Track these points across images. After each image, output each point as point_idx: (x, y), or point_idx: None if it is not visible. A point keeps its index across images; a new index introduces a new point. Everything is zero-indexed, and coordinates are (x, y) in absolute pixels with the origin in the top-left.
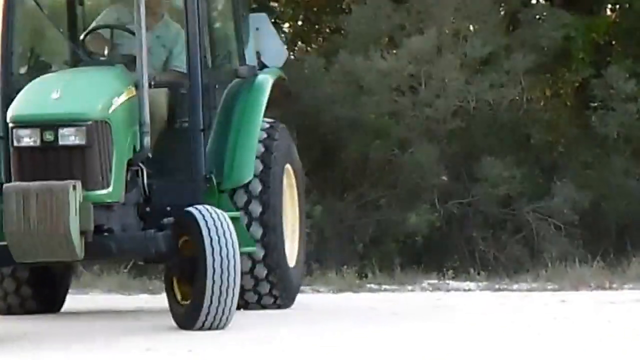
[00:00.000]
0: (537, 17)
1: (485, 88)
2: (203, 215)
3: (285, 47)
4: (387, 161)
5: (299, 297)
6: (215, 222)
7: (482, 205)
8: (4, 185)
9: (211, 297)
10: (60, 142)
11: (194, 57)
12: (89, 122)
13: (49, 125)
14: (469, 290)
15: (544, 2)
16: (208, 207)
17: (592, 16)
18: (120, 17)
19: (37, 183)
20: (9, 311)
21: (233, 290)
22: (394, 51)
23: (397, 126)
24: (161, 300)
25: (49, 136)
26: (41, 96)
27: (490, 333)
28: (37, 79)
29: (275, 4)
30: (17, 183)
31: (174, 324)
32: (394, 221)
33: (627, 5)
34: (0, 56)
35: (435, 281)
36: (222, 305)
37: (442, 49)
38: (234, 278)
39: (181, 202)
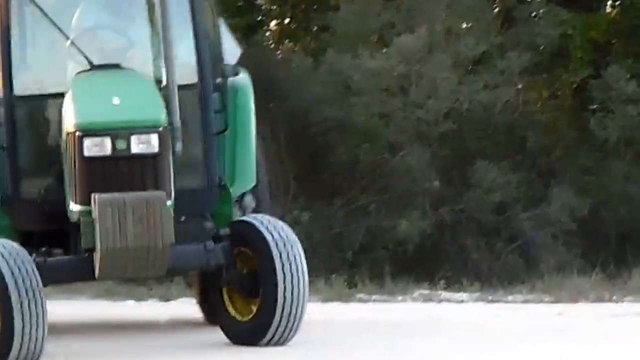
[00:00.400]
0: (533, 14)
1: (479, 89)
2: (267, 228)
3: (239, 46)
4: (376, 165)
5: None
6: (281, 234)
7: (475, 212)
8: (97, 198)
9: (281, 314)
10: (133, 151)
11: (204, 56)
12: (160, 129)
13: (121, 133)
14: (462, 301)
15: None
16: (267, 217)
17: (591, 13)
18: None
19: (131, 194)
20: None
21: (302, 306)
22: (384, 50)
23: (387, 128)
24: (149, 307)
25: (121, 145)
26: (101, 103)
27: (484, 347)
28: (76, 84)
29: (262, 2)
30: (110, 195)
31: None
32: (384, 228)
33: (629, 2)
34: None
35: (427, 291)
36: (291, 322)
37: (433, 47)
38: (303, 294)
39: (196, 210)
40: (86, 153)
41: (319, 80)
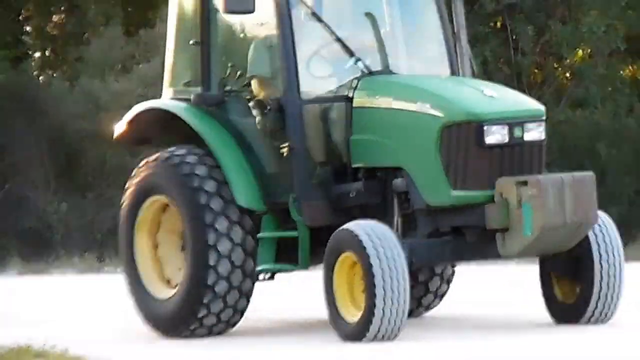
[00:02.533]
0: None
1: None
2: None
3: None
4: (120, 166)
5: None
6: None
7: None
8: (541, 178)
9: (599, 293)
10: (526, 138)
11: (293, 71)
12: (545, 119)
13: (517, 122)
14: None
15: None
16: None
17: None
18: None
19: (567, 175)
20: None
21: (619, 286)
22: (126, 75)
23: None
24: None
25: (518, 132)
26: (478, 96)
27: None
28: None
29: (27, 37)
30: (550, 175)
31: None
32: None
33: None
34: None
35: None
36: (609, 300)
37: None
38: (620, 274)
39: None
40: (488, 141)
41: (74, 99)
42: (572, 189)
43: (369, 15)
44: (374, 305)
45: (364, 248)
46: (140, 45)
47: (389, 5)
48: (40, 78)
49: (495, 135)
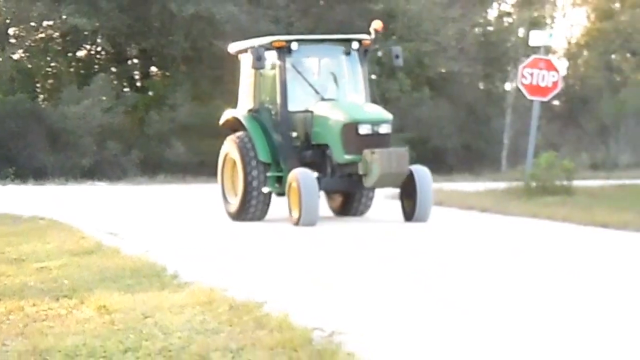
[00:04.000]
0: None
1: None
2: None
3: None
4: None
5: None
6: None
7: None
8: (382, 151)
9: (419, 205)
10: (380, 132)
11: (285, 98)
12: (390, 121)
13: (375, 123)
14: None
15: None
16: None
17: None
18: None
19: (393, 149)
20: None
21: None
22: None
23: None
24: None
25: (376, 128)
26: (363, 110)
27: None
28: (346, 105)
29: None
30: (385, 149)
31: None
32: None
33: None
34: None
35: None
36: None
37: None
38: None
39: None
40: (360, 132)
41: None
42: (395, 156)
43: (326, 71)
44: (302, 206)
45: (299, 180)
46: None
47: (335, 66)
48: None
49: (364, 129)
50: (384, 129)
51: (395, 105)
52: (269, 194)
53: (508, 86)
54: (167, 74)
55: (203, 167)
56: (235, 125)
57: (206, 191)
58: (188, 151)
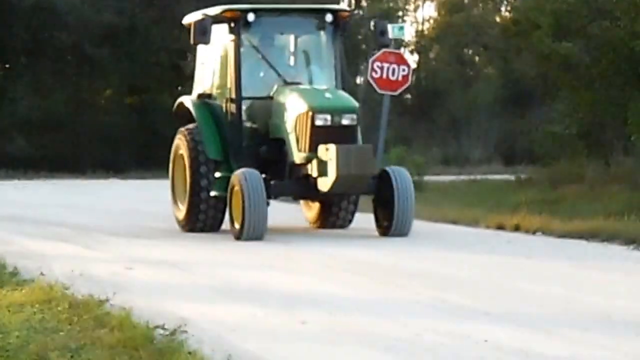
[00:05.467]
0: None
1: None
2: None
3: None
4: None
5: None
6: None
7: None
8: (338, 147)
9: (397, 217)
10: (342, 123)
11: (239, 82)
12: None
13: (337, 112)
14: None
15: None
16: None
17: None
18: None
19: (354, 145)
20: None
21: None
22: None
23: None
24: None
25: (337, 119)
26: (321, 95)
27: None
28: (304, 91)
29: None
30: (343, 145)
31: None
32: None
33: None
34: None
35: None
36: None
37: None
38: None
39: None
40: (317, 123)
41: None
42: (355, 153)
43: (292, 49)
44: (245, 216)
45: (242, 182)
46: None
47: (304, 43)
48: None
49: (321, 120)
50: (347, 119)
51: None
52: (224, 198)
53: (358, 80)
54: (7, 66)
55: (45, 162)
56: (189, 115)
57: (49, 186)
58: (29, 145)
